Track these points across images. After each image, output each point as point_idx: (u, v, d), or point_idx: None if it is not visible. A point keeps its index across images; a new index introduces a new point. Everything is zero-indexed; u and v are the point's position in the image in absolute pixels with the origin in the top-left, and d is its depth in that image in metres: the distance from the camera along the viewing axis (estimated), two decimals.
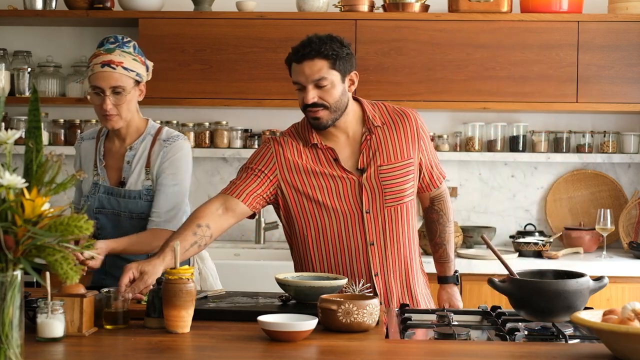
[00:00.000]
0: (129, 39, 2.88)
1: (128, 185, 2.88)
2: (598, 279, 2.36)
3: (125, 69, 2.80)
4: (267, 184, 2.69)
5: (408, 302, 2.72)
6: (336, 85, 2.60)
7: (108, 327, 2.27)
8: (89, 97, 2.85)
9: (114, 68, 2.79)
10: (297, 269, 2.82)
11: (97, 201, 2.89)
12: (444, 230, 2.89)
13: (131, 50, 2.84)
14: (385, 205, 2.67)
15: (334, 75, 2.60)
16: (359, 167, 2.67)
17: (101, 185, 2.90)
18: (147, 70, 2.91)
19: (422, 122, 2.78)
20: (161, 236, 2.79)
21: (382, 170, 2.67)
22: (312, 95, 2.59)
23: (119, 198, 2.88)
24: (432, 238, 2.91)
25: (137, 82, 2.85)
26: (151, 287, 2.41)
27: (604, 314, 2.04)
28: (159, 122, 3.92)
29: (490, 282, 2.37)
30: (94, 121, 4.43)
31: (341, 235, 2.68)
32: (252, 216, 2.74)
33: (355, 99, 2.74)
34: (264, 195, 2.69)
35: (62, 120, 4.47)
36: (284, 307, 2.50)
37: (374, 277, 2.68)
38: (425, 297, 2.82)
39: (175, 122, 4.42)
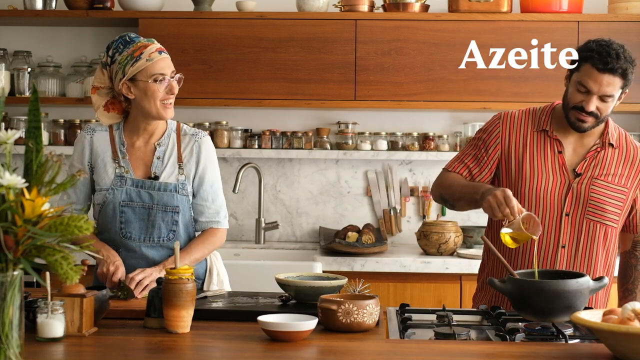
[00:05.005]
0: None
1: (162, 179, 2.86)
2: (598, 279, 2.36)
3: (170, 58, 2.86)
4: (490, 167, 2.77)
5: None
6: (614, 101, 2.67)
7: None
8: (132, 90, 2.79)
9: (167, 54, 2.84)
10: (485, 254, 2.84)
11: (125, 194, 2.83)
12: (638, 278, 2.80)
13: None
14: (585, 216, 2.68)
15: (618, 93, 2.65)
16: (577, 170, 2.70)
17: (128, 178, 2.84)
18: None
19: None
20: (219, 236, 2.92)
21: (595, 183, 2.70)
22: (594, 105, 2.63)
23: (151, 191, 2.84)
24: (623, 283, 2.82)
25: None
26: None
27: (604, 314, 2.04)
28: None
29: (490, 282, 2.37)
30: (94, 121, 4.42)
31: None
32: None
33: None
34: (487, 173, 2.77)
35: (62, 120, 4.47)
36: (284, 307, 2.50)
37: None
38: None
39: None
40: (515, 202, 2.47)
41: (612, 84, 2.61)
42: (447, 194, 2.79)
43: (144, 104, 2.80)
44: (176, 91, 2.82)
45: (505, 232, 2.48)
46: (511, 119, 2.80)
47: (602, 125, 2.75)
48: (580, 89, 2.64)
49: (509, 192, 2.49)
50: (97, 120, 2.94)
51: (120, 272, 2.70)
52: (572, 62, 2.72)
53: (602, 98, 2.63)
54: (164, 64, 2.80)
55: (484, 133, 2.82)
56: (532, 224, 2.47)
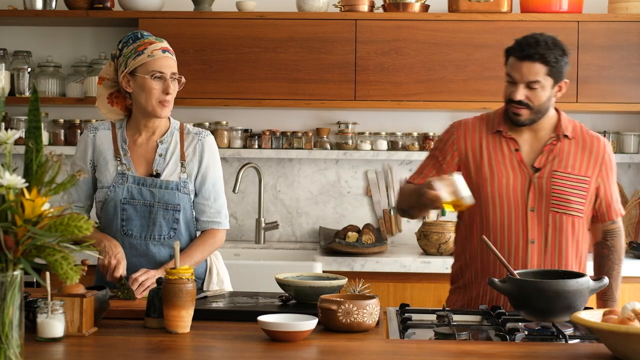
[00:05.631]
0: None
1: (164, 177, 2.87)
2: (598, 279, 2.36)
3: (175, 60, 2.88)
4: (445, 167, 2.80)
5: None
6: (545, 90, 2.69)
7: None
8: (131, 84, 2.81)
9: (172, 55, 2.86)
10: (458, 256, 2.85)
11: (126, 191, 2.84)
12: (612, 267, 2.84)
13: None
14: (550, 209, 2.70)
15: (547, 81, 2.69)
16: (535, 166, 2.73)
17: (129, 176, 2.85)
18: None
19: (611, 151, 2.82)
20: (219, 237, 2.93)
21: (556, 176, 2.72)
22: (521, 94, 2.68)
23: (153, 189, 2.84)
24: (598, 274, 2.85)
25: None
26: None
27: (604, 314, 2.04)
28: None
29: (490, 282, 2.38)
30: (94, 121, 4.43)
31: (503, 226, 2.71)
32: None
33: (555, 109, 2.81)
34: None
35: (62, 120, 4.47)
36: (284, 307, 2.50)
37: None
38: None
39: None
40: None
41: (533, 71, 2.66)
42: (404, 205, 2.83)
43: (140, 99, 2.82)
44: (172, 91, 2.82)
45: (445, 202, 2.52)
46: (465, 125, 2.84)
47: (554, 119, 2.78)
48: (509, 80, 2.72)
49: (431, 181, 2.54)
50: (97, 121, 2.95)
51: (122, 267, 2.70)
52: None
53: (529, 86, 2.68)
54: (165, 62, 2.81)
55: (440, 143, 2.86)
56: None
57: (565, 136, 2.77)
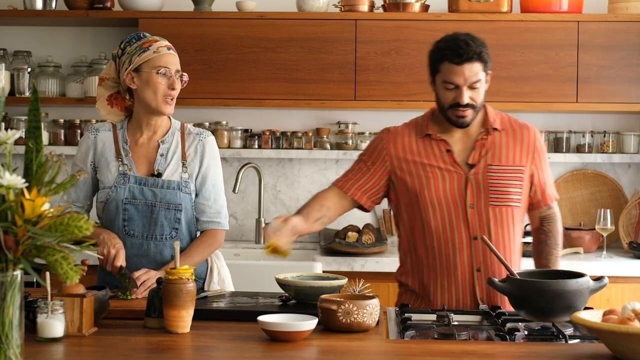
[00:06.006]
0: None
1: (165, 177, 2.87)
2: (598, 279, 2.36)
3: (178, 58, 2.90)
4: (377, 178, 2.80)
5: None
6: (483, 86, 2.71)
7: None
8: (135, 80, 2.82)
9: (175, 53, 2.89)
10: (403, 261, 2.85)
11: (128, 191, 2.85)
12: (550, 252, 2.85)
13: None
14: (489, 203, 2.71)
15: (483, 77, 2.70)
16: (469, 162, 2.73)
17: (131, 176, 2.86)
18: None
19: (541, 139, 2.84)
20: (218, 237, 2.93)
21: (491, 169, 2.73)
22: (467, 97, 2.67)
23: (154, 188, 2.85)
24: (538, 259, 2.87)
25: None
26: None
27: (604, 314, 2.04)
28: None
29: (490, 282, 2.38)
30: (94, 121, 4.43)
31: (445, 227, 2.71)
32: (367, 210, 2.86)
33: None
34: (375, 190, 2.80)
35: (62, 120, 4.47)
36: (284, 307, 2.50)
37: (475, 271, 2.70)
38: None
39: None
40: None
41: (474, 71, 2.65)
42: None
43: (144, 95, 2.83)
44: (177, 87, 2.85)
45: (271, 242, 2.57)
46: (394, 132, 2.83)
47: (481, 115, 2.78)
48: (449, 87, 2.68)
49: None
50: (97, 121, 2.95)
51: (121, 257, 2.71)
52: (430, 67, 2.75)
53: (471, 87, 2.67)
54: (170, 59, 2.84)
55: (369, 149, 2.85)
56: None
57: (495, 129, 2.77)
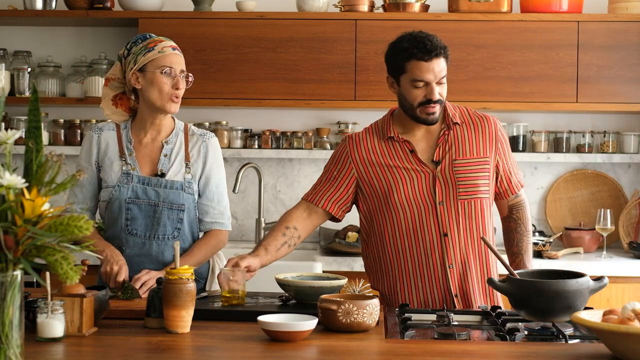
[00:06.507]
0: None
1: (168, 177, 2.88)
2: (598, 279, 2.35)
3: (183, 58, 2.91)
4: (345, 186, 2.80)
5: (484, 299, 2.75)
6: (446, 81, 2.72)
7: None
8: (140, 80, 2.83)
9: (180, 53, 2.89)
10: (370, 265, 2.85)
11: (131, 191, 2.85)
12: (521, 239, 2.86)
13: None
14: (459, 198, 2.72)
15: (446, 72, 2.71)
16: (434, 160, 2.73)
17: (134, 176, 2.87)
18: None
19: (502, 128, 2.85)
20: (221, 238, 2.95)
21: (457, 164, 2.73)
22: (437, 93, 2.68)
23: (158, 188, 2.86)
24: (509, 247, 2.89)
25: None
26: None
27: (604, 314, 2.04)
28: None
29: (490, 282, 2.37)
30: (94, 121, 4.43)
31: (415, 227, 2.72)
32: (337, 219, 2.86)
33: None
34: (344, 199, 2.81)
35: (62, 120, 4.47)
36: (284, 307, 2.50)
37: (448, 268, 2.71)
38: None
39: None
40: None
41: (441, 66, 2.68)
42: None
43: (149, 95, 2.83)
44: (182, 87, 2.85)
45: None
46: (356, 139, 2.82)
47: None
48: (418, 85, 2.67)
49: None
50: (97, 121, 2.96)
51: (124, 272, 2.72)
52: (393, 68, 2.74)
53: (439, 82, 2.68)
54: (175, 59, 2.85)
55: (334, 159, 2.84)
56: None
57: (455, 123, 2.78)
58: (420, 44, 2.65)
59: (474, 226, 2.73)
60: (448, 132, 2.76)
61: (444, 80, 2.69)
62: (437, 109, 2.69)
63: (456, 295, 2.71)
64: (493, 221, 2.83)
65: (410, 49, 2.66)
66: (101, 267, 2.78)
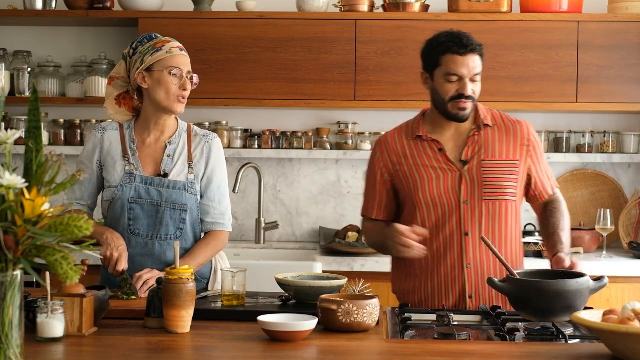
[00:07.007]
0: None
1: (171, 177, 2.88)
2: (598, 279, 2.36)
3: (189, 59, 2.92)
4: (386, 190, 2.84)
5: (497, 303, 2.73)
6: (480, 80, 2.73)
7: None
8: (146, 80, 2.83)
9: (187, 54, 2.90)
10: (394, 262, 2.88)
11: (134, 191, 2.86)
12: (556, 222, 2.78)
13: None
14: (483, 198, 2.72)
15: (480, 72, 2.72)
16: (463, 159, 2.74)
17: (137, 176, 2.87)
18: None
19: (535, 133, 2.84)
20: (222, 239, 2.95)
21: (485, 164, 2.74)
22: (470, 88, 2.69)
23: (160, 188, 2.86)
24: (544, 232, 2.83)
25: None
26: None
27: (604, 314, 2.04)
28: None
29: (490, 282, 2.38)
30: (94, 121, 4.43)
31: (438, 224, 2.73)
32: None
33: None
34: (391, 199, 2.85)
35: (62, 120, 4.47)
36: (284, 307, 2.50)
37: (465, 268, 2.71)
38: None
39: None
40: (403, 229, 2.59)
41: (476, 62, 2.70)
42: (376, 248, 2.91)
43: (155, 95, 2.83)
44: (189, 88, 2.86)
45: None
46: (385, 140, 2.85)
47: (473, 111, 2.80)
48: (451, 79, 2.69)
49: (396, 229, 2.59)
50: (98, 121, 2.96)
51: (124, 261, 2.71)
52: (428, 62, 2.76)
53: (473, 79, 2.70)
54: (182, 60, 2.85)
55: (369, 168, 2.89)
56: None
57: (486, 125, 2.78)
58: (457, 38, 2.69)
59: (496, 228, 2.73)
60: (478, 133, 2.77)
61: (478, 78, 2.70)
62: (468, 105, 2.70)
63: (470, 296, 2.70)
64: (519, 227, 2.81)
65: (447, 43, 2.69)
66: (101, 250, 2.76)
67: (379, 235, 2.77)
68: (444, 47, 2.70)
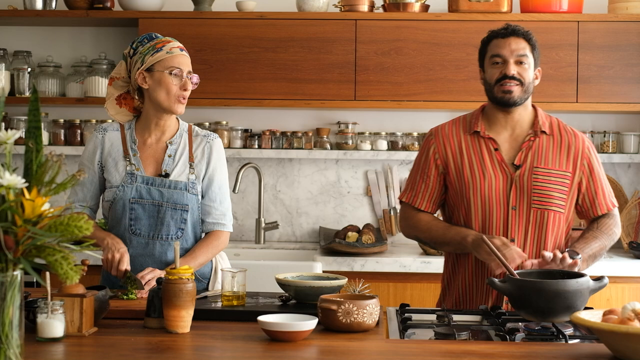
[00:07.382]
0: None
1: (172, 177, 2.89)
2: (598, 279, 2.36)
3: (190, 59, 2.92)
4: (439, 183, 2.81)
5: None
6: (530, 69, 2.73)
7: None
8: (147, 80, 2.83)
9: (187, 55, 2.90)
10: (446, 261, 2.88)
11: (135, 191, 2.86)
12: (588, 232, 2.75)
13: None
14: (532, 206, 2.70)
15: (531, 60, 2.73)
16: (515, 163, 2.73)
17: (138, 176, 2.87)
18: None
19: (593, 147, 2.81)
20: (222, 239, 2.95)
21: (537, 172, 2.72)
22: (514, 69, 2.70)
23: (162, 189, 2.86)
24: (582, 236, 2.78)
25: None
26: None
27: (604, 314, 2.04)
28: None
29: (490, 282, 2.38)
30: (94, 121, 4.43)
31: (485, 227, 2.72)
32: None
33: (532, 105, 2.82)
34: (438, 192, 2.83)
35: (62, 120, 4.47)
36: (284, 307, 2.50)
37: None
38: None
39: None
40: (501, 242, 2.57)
41: (520, 45, 2.71)
42: (427, 238, 2.85)
43: (156, 95, 2.84)
44: (189, 88, 2.86)
45: None
46: (442, 131, 2.84)
47: (531, 115, 2.79)
48: (496, 61, 2.72)
49: (508, 246, 2.57)
50: (98, 122, 2.96)
51: (126, 261, 2.72)
52: (480, 55, 2.80)
53: (518, 61, 2.71)
54: (183, 60, 2.86)
55: (422, 155, 2.86)
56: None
57: (543, 132, 2.77)
58: (501, 27, 2.75)
59: (542, 237, 2.71)
60: (534, 139, 2.75)
61: (525, 60, 2.71)
62: (514, 87, 2.70)
63: (507, 302, 2.67)
64: (564, 240, 2.78)
65: (492, 32, 2.75)
66: (102, 255, 2.77)
67: (454, 234, 2.71)
68: (489, 36, 2.76)
